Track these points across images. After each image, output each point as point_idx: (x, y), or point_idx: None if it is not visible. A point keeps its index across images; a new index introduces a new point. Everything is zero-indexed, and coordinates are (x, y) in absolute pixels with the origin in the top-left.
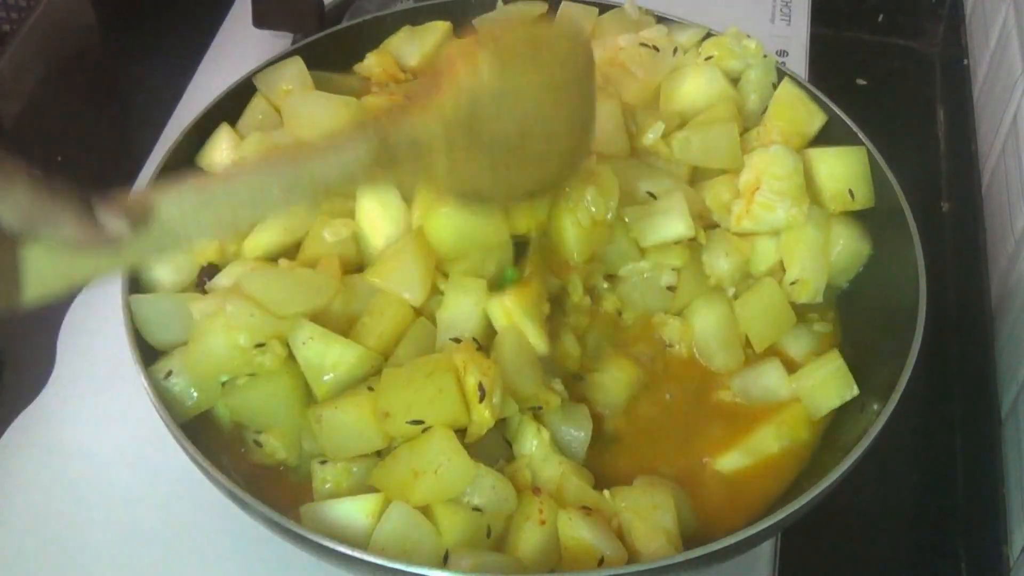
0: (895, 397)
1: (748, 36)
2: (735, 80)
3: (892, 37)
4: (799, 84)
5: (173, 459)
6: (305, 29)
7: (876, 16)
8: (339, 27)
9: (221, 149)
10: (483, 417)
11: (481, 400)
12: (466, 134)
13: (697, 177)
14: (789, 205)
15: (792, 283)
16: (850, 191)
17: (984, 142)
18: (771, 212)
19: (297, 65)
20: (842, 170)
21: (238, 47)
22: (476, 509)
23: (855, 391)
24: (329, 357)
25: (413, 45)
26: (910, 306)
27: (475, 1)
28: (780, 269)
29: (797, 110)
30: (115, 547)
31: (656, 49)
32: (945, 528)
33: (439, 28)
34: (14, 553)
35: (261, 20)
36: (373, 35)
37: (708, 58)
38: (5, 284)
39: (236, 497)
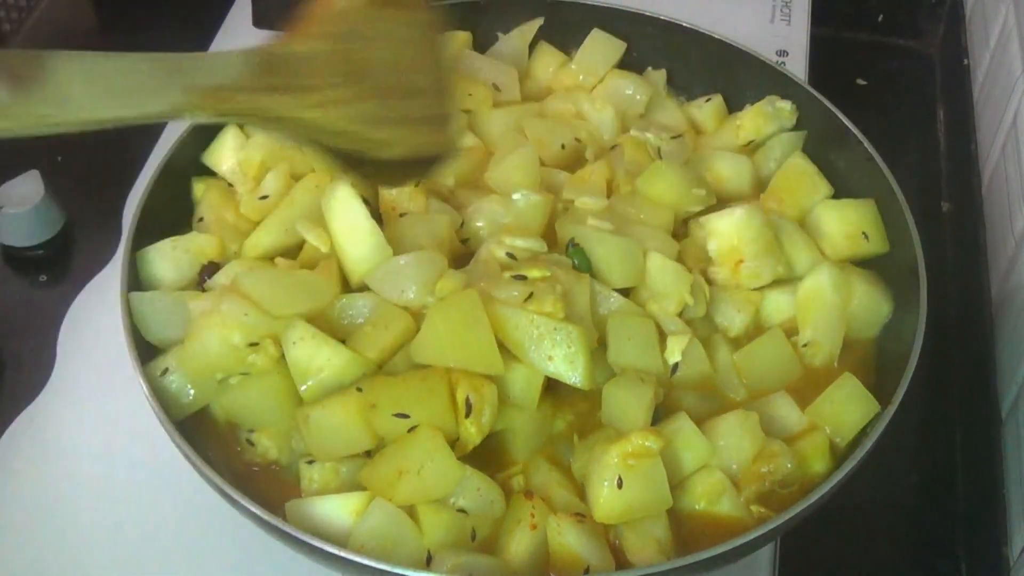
0: (896, 399)
1: (782, 99)
2: (760, 145)
3: (892, 37)
4: (809, 159)
5: (172, 458)
6: None
7: (876, 16)
8: None
9: (228, 148)
10: (469, 433)
11: (467, 415)
12: (343, 59)
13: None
14: (774, 263)
15: (805, 345)
16: (864, 233)
17: (984, 142)
18: (758, 279)
19: None
20: (854, 216)
21: (238, 47)
22: (461, 511)
23: (877, 407)
24: (317, 360)
25: None
26: (910, 307)
27: (483, 3)
28: (794, 326)
29: (801, 183)
30: (114, 545)
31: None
32: (945, 528)
33: (457, 38)
34: (14, 552)
35: (261, 20)
36: None
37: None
38: None
39: (225, 493)
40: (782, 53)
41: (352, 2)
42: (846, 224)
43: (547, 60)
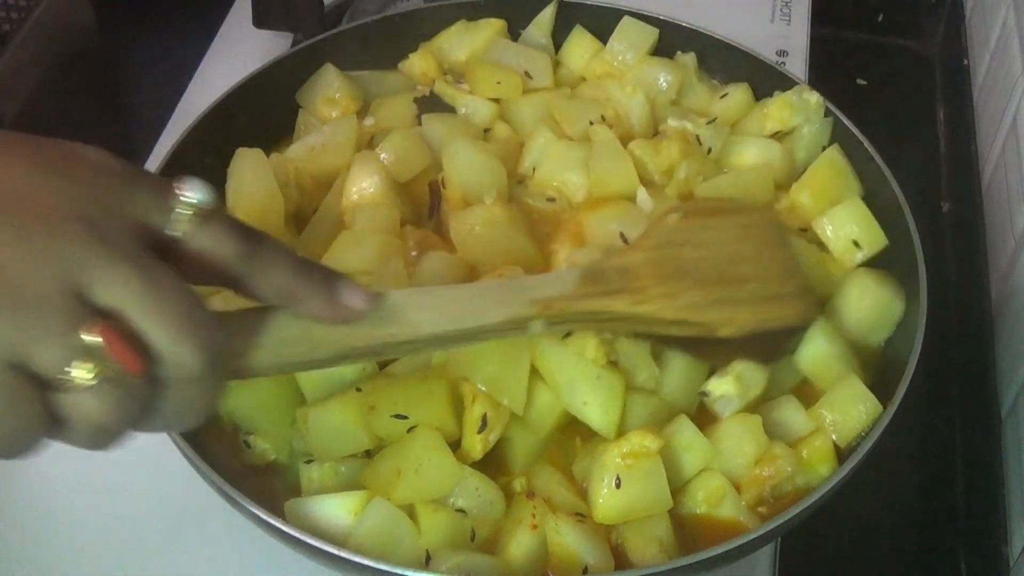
0: (896, 399)
1: (811, 90)
2: (788, 133)
3: (892, 37)
4: (844, 153)
5: (171, 457)
6: (305, 29)
7: (876, 16)
8: (341, 28)
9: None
10: (475, 449)
11: (480, 431)
12: (665, 262)
13: None
14: None
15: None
16: (855, 242)
17: (984, 142)
18: None
19: (331, 73)
20: (844, 222)
21: (238, 47)
22: (460, 511)
23: (879, 408)
24: None
25: (464, 39)
26: (910, 306)
27: (483, 3)
28: None
29: (834, 181)
30: (114, 544)
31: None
32: (945, 528)
33: (490, 26)
34: (14, 552)
35: (261, 20)
36: (375, 35)
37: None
38: (247, 346)
39: (224, 493)
40: (782, 53)
41: (681, 217)
42: (839, 234)
43: (581, 48)
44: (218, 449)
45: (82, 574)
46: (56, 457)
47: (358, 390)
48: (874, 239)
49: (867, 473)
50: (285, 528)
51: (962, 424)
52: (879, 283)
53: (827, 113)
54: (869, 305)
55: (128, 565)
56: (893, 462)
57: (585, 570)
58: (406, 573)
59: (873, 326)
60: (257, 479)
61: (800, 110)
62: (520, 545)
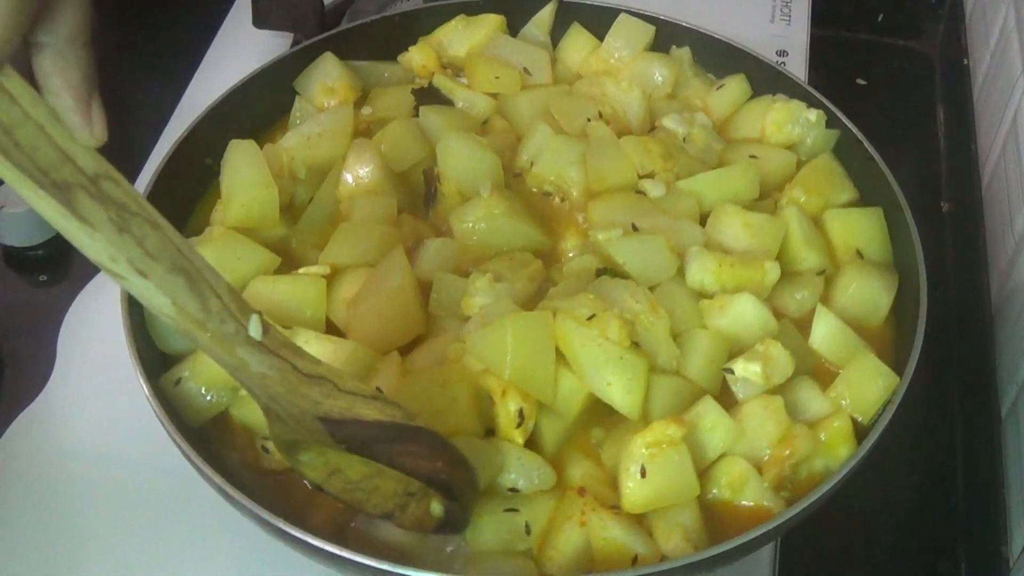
0: (897, 398)
1: (810, 107)
2: (791, 145)
3: (892, 37)
4: (838, 159)
5: (172, 459)
6: (305, 29)
7: (876, 16)
8: (341, 28)
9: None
10: (515, 442)
11: (518, 426)
12: None
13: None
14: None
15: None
16: (858, 251)
17: (984, 142)
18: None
19: (330, 62)
20: (857, 229)
21: (238, 47)
22: (512, 490)
23: (895, 379)
24: (323, 354)
25: (463, 34)
26: (910, 306)
27: (482, 2)
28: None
29: (827, 180)
30: (114, 546)
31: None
32: (945, 528)
33: (490, 21)
34: (14, 552)
35: (261, 20)
36: (372, 36)
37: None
38: None
39: (226, 494)
40: (782, 53)
41: None
42: (846, 236)
43: (578, 45)
44: (233, 454)
45: (83, 572)
46: (57, 459)
47: (378, 390)
48: (880, 252)
49: (867, 473)
50: (288, 529)
51: (962, 424)
52: (867, 275)
53: (830, 124)
54: (858, 295)
55: (128, 562)
56: (893, 462)
57: (635, 560)
58: (409, 573)
59: (867, 312)
60: (275, 483)
61: (804, 127)
62: (568, 541)
